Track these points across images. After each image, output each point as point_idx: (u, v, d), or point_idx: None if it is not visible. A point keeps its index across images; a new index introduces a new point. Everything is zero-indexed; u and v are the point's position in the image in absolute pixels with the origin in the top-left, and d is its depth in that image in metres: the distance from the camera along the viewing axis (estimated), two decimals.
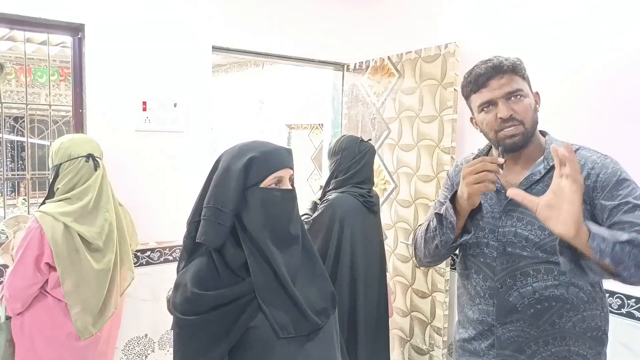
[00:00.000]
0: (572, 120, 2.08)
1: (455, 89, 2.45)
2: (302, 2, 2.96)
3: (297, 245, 1.18)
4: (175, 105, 2.53)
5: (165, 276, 2.56)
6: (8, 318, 1.87)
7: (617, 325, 1.91)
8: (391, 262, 2.90)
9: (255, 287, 1.08)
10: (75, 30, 2.32)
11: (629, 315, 1.95)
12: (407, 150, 2.75)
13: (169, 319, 2.56)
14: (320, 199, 2.30)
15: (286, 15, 2.90)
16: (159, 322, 2.60)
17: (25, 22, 2.21)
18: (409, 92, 2.74)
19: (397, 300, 2.88)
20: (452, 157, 2.48)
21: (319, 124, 5.18)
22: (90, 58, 2.31)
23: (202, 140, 2.65)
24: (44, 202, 1.92)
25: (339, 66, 3.24)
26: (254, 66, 5.90)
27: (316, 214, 2.19)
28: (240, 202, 1.12)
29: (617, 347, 1.93)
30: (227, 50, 2.73)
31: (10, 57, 5.47)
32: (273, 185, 1.15)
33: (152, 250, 2.53)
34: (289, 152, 1.20)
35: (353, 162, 2.26)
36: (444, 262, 2.53)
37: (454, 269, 2.61)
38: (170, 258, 2.59)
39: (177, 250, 2.61)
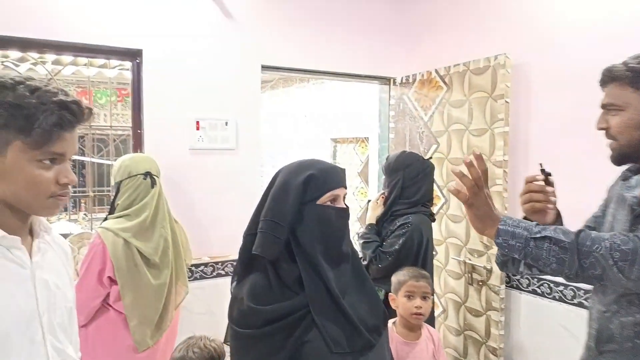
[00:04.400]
0: None
1: (506, 101, 2.40)
2: (348, 19, 2.99)
3: (347, 263, 1.20)
4: (226, 123, 2.62)
5: (218, 290, 2.61)
6: None
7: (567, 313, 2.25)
8: (442, 279, 2.84)
9: (309, 302, 1.10)
10: (134, 55, 2.45)
11: (580, 305, 2.20)
12: (456, 164, 2.70)
13: (222, 332, 2.60)
14: (383, 218, 2.28)
15: (332, 32, 2.94)
16: (212, 335, 2.64)
17: (89, 49, 2.36)
18: (457, 105, 2.70)
19: (450, 319, 2.81)
20: (504, 171, 2.41)
21: (365, 138, 5.18)
22: (147, 81, 2.43)
23: (252, 157, 2.71)
24: (106, 218, 2.02)
25: (385, 80, 3.25)
26: (299, 81, 6.00)
27: (400, 239, 2.15)
28: (296, 217, 1.14)
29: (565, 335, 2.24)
30: (276, 68, 2.80)
31: (72, 80, 5.84)
32: (329, 203, 1.17)
33: (206, 264, 2.60)
34: (343, 171, 1.23)
35: (418, 181, 2.25)
36: (499, 278, 2.46)
37: (510, 286, 2.53)
38: (223, 272, 2.65)
39: (229, 265, 2.67)
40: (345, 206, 1.22)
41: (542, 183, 1.26)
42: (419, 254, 2.19)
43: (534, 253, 1.12)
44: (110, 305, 1.93)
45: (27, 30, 2.15)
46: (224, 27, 2.60)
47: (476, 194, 1.18)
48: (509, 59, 2.40)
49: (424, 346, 1.90)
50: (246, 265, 1.21)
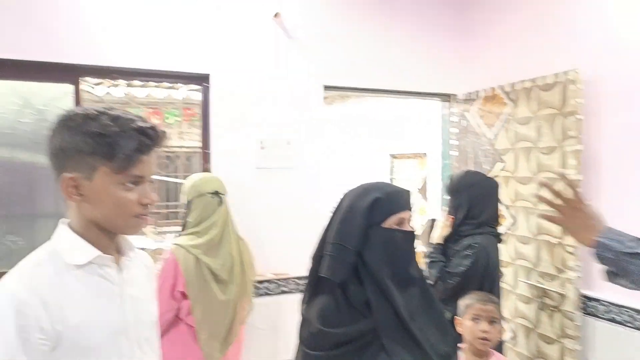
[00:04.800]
0: None
1: (578, 118, 2.29)
2: (409, 36, 2.99)
3: (416, 286, 1.19)
4: (288, 143, 2.67)
5: (281, 307, 2.65)
6: None
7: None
8: (511, 303, 2.71)
9: (378, 326, 1.10)
10: (202, 79, 2.57)
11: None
12: (524, 183, 2.60)
13: (285, 348, 2.64)
14: (450, 239, 2.25)
15: (393, 50, 2.95)
16: (275, 351, 2.68)
17: (162, 74, 2.51)
18: (524, 122, 2.61)
19: (520, 345, 2.67)
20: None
21: (423, 154, 5.10)
22: (214, 103, 2.54)
23: (314, 176, 2.75)
24: (178, 235, 2.11)
25: (447, 97, 3.20)
26: (356, 97, 6.02)
27: (467, 260, 2.11)
28: (362, 240, 1.15)
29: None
30: (338, 88, 2.84)
31: (144, 101, 6.21)
32: (395, 226, 1.17)
33: (269, 281, 2.64)
34: (409, 194, 1.23)
35: (483, 201, 2.21)
36: (573, 305, 2.32)
37: (586, 312, 2.38)
38: (286, 289, 2.68)
39: (292, 282, 2.70)
40: (411, 229, 1.21)
41: None
42: (485, 276, 2.13)
43: (625, 268, 1.13)
44: (182, 319, 2.00)
45: (103, 58, 2.32)
46: (287, 49, 2.67)
47: (573, 215, 1.20)
48: (578, 74, 2.29)
49: None
50: (314, 287, 1.22)
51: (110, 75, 2.45)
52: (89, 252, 1.01)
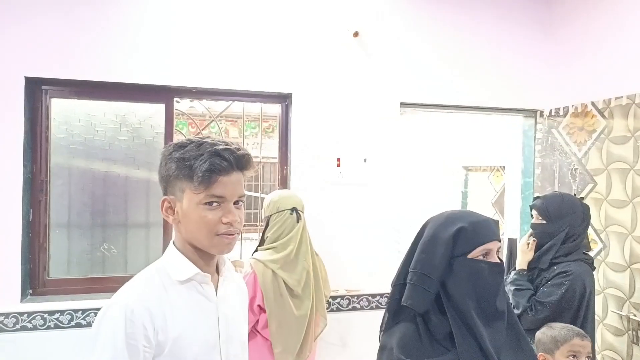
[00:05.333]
0: None
1: None
2: (490, 49, 2.90)
3: (502, 320, 1.15)
4: (365, 160, 2.68)
5: (353, 323, 2.65)
6: None
7: None
8: (599, 334, 2.53)
9: (461, 359, 1.07)
10: (284, 98, 2.66)
11: None
12: (619, 206, 2.42)
13: None
14: (535, 265, 2.16)
15: (472, 64, 2.87)
16: None
17: (245, 94, 2.61)
18: (619, 141, 2.43)
19: None
20: None
21: (500, 167, 4.89)
22: (294, 121, 2.61)
23: (389, 193, 2.73)
24: (256, 249, 2.18)
25: (531, 113, 3.06)
26: (437, 112, 5.91)
27: (560, 289, 2.01)
28: (446, 271, 1.13)
29: None
30: (415, 105, 2.81)
31: (223, 114, 6.51)
32: (481, 257, 1.14)
33: (342, 297, 2.66)
34: (496, 224, 1.19)
35: (580, 228, 2.11)
36: None
37: None
38: (358, 306, 2.68)
39: (364, 299, 2.69)
40: (499, 260, 1.17)
41: None
42: (580, 307, 2.00)
43: None
44: (259, 332, 2.06)
45: (197, 80, 2.47)
46: (365, 67, 2.69)
47: None
48: None
49: None
50: (394, 314, 1.21)
51: (199, 95, 2.59)
52: (189, 269, 1.09)
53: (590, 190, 2.60)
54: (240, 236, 3.28)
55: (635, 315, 2.32)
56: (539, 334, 1.83)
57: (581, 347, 1.69)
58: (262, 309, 2.03)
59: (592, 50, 2.74)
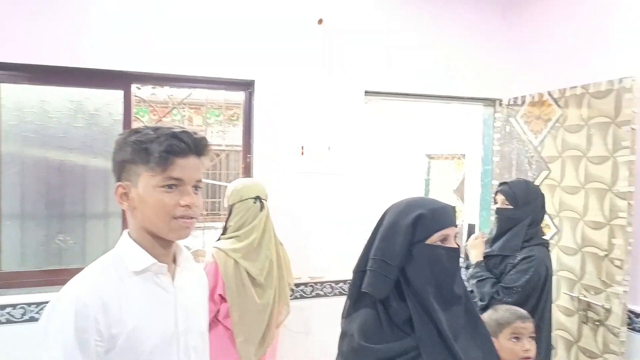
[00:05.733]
0: None
1: (632, 128, 2.20)
2: (452, 41, 2.94)
3: (460, 304, 1.17)
4: (329, 148, 2.69)
5: (317, 310, 2.68)
6: None
7: None
8: (552, 314, 2.64)
9: (420, 344, 1.09)
10: (247, 85, 2.62)
11: None
12: (571, 193, 2.52)
13: (319, 350, 2.64)
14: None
15: (435, 54, 2.91)
16: (309, 353, 2.71)
17: (207, 80, 2.56)
18: (573, 130, 2.52)
19: (559, 358, 2.60)
20: (629, 203, 2.21)
21: (462, 155, 5.01)
22: (258, 109, 2.58)
23: (353, 181, 2.76)
24: (219, 238, 2.16)
25: (490, 102, 3.13)
26: (399, 100, 5.96)
27: (526, 275, 2.09)
28: (406, 257, 1.15)
29: None
30: (379, 93, 2.83)
31: (185, 101, 6.37)
32: (439, 243, 1.16)
33: (305, 284, 2.68)
34: (453, 210, 1.21)
35: (542, 214, 2.22)
36: (619, 320, 2.24)
37: (632, 329, 2.29)
38: (322, 293, 2.71)
39: (327, 286, 2.72)
40: (456, 246, 1.20)
41: None
42: (543, 289, 2.10)
43: None
44: (220, 322, 2.04)
45: (154, 65, 2.40)
46: (329, 55, 2.68)
47: None
48: (635, 82, 2.20)
49: None
50: (355, 301, 1.22)
51: (159, 81, 2.53)
52: (145, 259, 1.07)
53: (545, 177, 2.70)
54: (204, 226, 3.22)
55: (585, 296, 2.44)
56: (484, 317, 1.86)
57: (523, 329, 1.72)
58: (223, 299, 2.02)
59: (550, 41, 2.82)
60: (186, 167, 1.06)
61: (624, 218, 2.22)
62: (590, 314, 2.41)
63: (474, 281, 2.21)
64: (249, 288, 2.05)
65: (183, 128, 1.10)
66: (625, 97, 2.23)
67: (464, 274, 2.28)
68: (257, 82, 2.55)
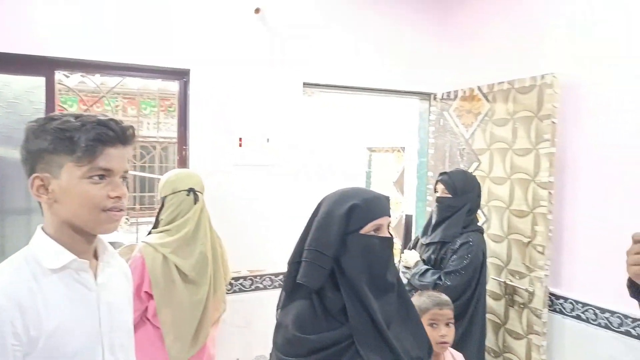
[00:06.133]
0: None
1: (553, 122, 2.34)
2: (389, 36, 3.00)
3: (392, 292, 1.20)
4: (268, 140, 2.66)
5: (256, 303, 2.66)
6: None
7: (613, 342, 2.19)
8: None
9: (353, 333, 1.11)
10: (182, 74, 2.54)
11: (627, 333, 2.13)
12: (498, 183, 2.65)
13: (259, 344, 2.62)
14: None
15: (373, 49, 2.96)
16: (250, 347, 2.70)
17: (139, 69, 2.45)
18: (501, 123, 2.66)
19: (488, 340, 2.74)
20: (549, 193, 2.36)
21: (401, 148, 5.15)
22: (193, 99, 2.51)
23: (292, 173, 2.75)
24: (150, 232, 2.06)
25: (426, 96, 3.23)
26: (338, 92, 6.00)
27: (466, 259, 2.23)
28: (340, 247, 1.16)
29: None
30: (317, 85, 2.84)
31: (119, 91, 6.08)
32: (372, 233, 1.18)
33: (245, 278, 2.65)
34: (387, 200, 1.23)
35: (478, 202, 2.39)
36: (541, 302, 2.40)
37: (553, 310, 2.46)
38: (261, 286, 2.69)
39: (267, 278, 2.71)
40: (389, 235, 1.22)
41: None
42: (481, 273, 2.25)
43: None
44: (149, 320, 1.96)
45: (80, 51, 2.27)
46: (267, 45, 2.65)
47: None
48: (556, 78, 2.34)
49: None
50: (291, 292, 1.22)
51: (85, 68, 2.39)
52: (63, 256, 1.01)
53: (476, 169, 2.83)
54: (137, 221, 3.08)
55: (511, 281, 2.59)
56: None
57: (440, 315, 1.79)
58: (150, 296, 1.92)
59: (480, 38, 2.95)
60: (115, 156, 1.02)
61: (545, 206, 2.38)
62: (516, 298, 2.56)
63: (416, 281, 2.32)
64: (179, 284, 1.95)
65: (107, 116, 1.05)
66: (546, 93, 2.37)
67: (406, 276, 2.39)
68: (192, 71, 2.48)
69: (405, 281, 2.49)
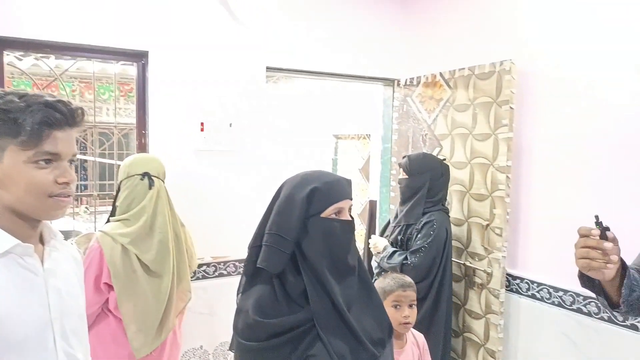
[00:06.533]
0: None
1: (511, 107, 2.40)
2: (353, 21, 2.99)
3: (353, 275, 1.20)
4: (230, 125, 2.62)
5: (220, 290, 2.64)
6: None
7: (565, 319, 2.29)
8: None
9: (314, 316, 1.11)
10: (140, 56, 2.46)
11: (578, 310, 2.23)
12: (460, 167, 2.71)
13: (224, 331, 2.60)
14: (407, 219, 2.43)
15: (337, 34, 2.94)
16: (214, 334, 2.68)
17: (94, 50, 2.36)
18: (461, 109, 2.70)
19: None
20: (507, 177, 2.42)
21: (367, 135, 5.19)
22: (153, 82, 2.44)
23: (256, 159, 2.72)
24: (108, 220, 1.99)
25: (389, 82, 3.25)
26: (302, 77, 5.97)
27: (429, 238, 2.32)
28: (301, 231, 1.15)
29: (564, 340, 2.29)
30: (281, 70, 2.81)
31: (75, 75, 5.84)
32: (333, 216, 1.18)
33: (208, 264, 2.62)
34: (349, 183, 1.23)
35: (440, 183, 2.44)
36: (499, 282, 2.48)
37: (510, 290, 2.55)
38: (225, 273, 2.67)
39: (231, 265, 2.69)
40: (350, 218, 1.23)
41: (598, 238, 1.14)
42: (445, 250, 2.34)
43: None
44: (111, 312, 1.90)
45: (31, 31, 2.16)
46: (229, 29, 2.60)
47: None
48: (514, 65, 2.40)
49: (410, 352, 1.90)
50: (251, 276, 1.21)
51: (38, 49, 2.27)
52: (6, 240, 0.96)
53: (438, 154, 2.87)
54: (95, 210, 2.98)
55: (470, 263, 2.66)
56: (375, 285, 1.98)
57: (403, 297, 1.84)
58: (110, 287, 1.86)
59: (442, 24, 2.98)
60: (63, 139, 0.97)
61: (503, 190, 2.44)
62: (475, 279, 2.64)
63: (385, 263, 2.36)
64: (141, 275, 1.89)
65: (55, 96, 1.00)
66: (505, 79, 2.42)
67: (376, 260, 2.44)
68: (151, 53, 2.40)
69: (375, 265, 2.54)
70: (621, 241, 1.17)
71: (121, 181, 1.97)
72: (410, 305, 1.85)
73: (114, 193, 2.03)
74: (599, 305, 1.85)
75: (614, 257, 1.12)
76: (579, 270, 1.20)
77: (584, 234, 1.15)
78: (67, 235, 2.75)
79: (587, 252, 1.13)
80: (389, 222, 2.67)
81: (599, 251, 1.13)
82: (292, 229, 1.14)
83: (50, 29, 2.19)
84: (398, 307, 1.83)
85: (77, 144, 1.04)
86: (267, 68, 2.73)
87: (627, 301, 1.21)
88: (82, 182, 6.88)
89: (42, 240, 1.06)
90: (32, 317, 0.98)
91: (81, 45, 2.29)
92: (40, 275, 1.01)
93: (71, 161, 1.01)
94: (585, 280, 1.25)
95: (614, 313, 1.26)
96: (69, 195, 1.00)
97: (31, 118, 0.93)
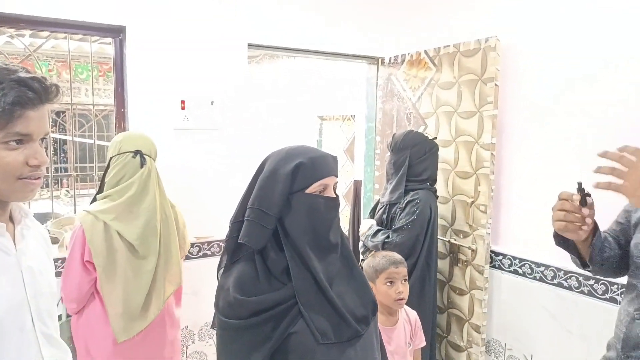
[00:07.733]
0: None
1: (496, 84, 2.39)
2: None
3: (335, 253, 1.18)
4: (212, 103, 2.57)
5: (204, 270, 2.61)
6: (69, 317, 1.91)
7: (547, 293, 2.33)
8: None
9: (296, 293, 1.09)
10: (117, 32, 2.37)
11: (559, 285, 2.28)
12: (444, 146, 2.70)
13: (208, 311, 2.57)
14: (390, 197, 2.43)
15: (320, 10, 2.88)
16: (199, 315, 2.67)
17: (69, 25, 2.27)
18: (446, 87, 2.69)
19: None
20: (492, 154, 2.43)
21: (351, 116, 5.16)
22: (130, 59, 2.36)
23: (238, 137, 2.68)
24: (95, 198, 1.93)
25: (374, 60, 3.21)
26: (285, 57, 5.88)
27: (412, 216, 2.31)
28: (284, 207, 1.12)
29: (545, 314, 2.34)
30: (262, 47, 2.74)
31: (51, 54, 5.67)
32: (318, 192, 1.15)
33: (192, 245, 2.59)
34: (334, 159, 1.20)
35: (424, 160, 2.39)
36: (483, 259, 2.50)
37: (493, 266, 2.57)
38: (209, 253, 2.65)
39: (215, 245, 2.66)
40: (335, 195, 1.20)
41: (578, 203, 1.20)
42: (429, 228, 2.33)
43: None
44: (98, 292, 1.84)
45: (3, 5, 2.06)
46: (210, 3, 2.52)
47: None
48: (499, 41, 2.38)
49: (402, 329, 1.92)
50: (232, 253, 1.18)
51: (12, 24, 2.17)
52: None
53: (423, 132, 2.85)
54: (75, 193, 2.90)
55: (455, 240, 2.68)
56: (364, 265, 1.97)
57: (396, 273, 1.86)
58: (94, 266, 1.80)
59: (426, 4, 2.94)
60: (35, 119, 0.92)
61: (488, 167, 2.45)
62: (460, 256, 2.66)
63: (369, 239, 2.37)
64: (123, 253, 1.83)
65: (28, 71, 0.94)
66: (490, 56, 2.40)
67: (362, 240, 2.45)
68: (128, 28, 2.32)
69: (361, 244, 2.55)
70: (600, 211, 1.24)
71: (111, 157, 1.90)
72: (403, 282, 1.87)
73: (103, 172, 1.95)
74: (578, 274, 1.98)
75: (589, 221, 1.20)
76: (554, 230, 1.27)
77: (564, 198, 1.22)
78: (47, 218, 2.68)
79: (565, 215, 1.20)
80: (378, 203, 2.67)
81: (576, 215, 1.19)
82: (275, 204, 1.12)
83: (24, 2, 2.09)
84: (392, 283, 1.84)
85: (55, 126, 0.99)
86: (249, 45, 2.67)
87: (597, 260, 1.29)
88: (63, 165, 6.75)
89: (12, 220, 1.02)
90: (7, 298, 0.95)
91: (56, 20, 2.20)
92: (12, 255, 0.98)
93: (43, 139, 0.96)
94: (560, 239, 1.32)
95: (586, 270, 1.36)
96: (39, 177, 0.96)
97: (2, 97, 0.88)
